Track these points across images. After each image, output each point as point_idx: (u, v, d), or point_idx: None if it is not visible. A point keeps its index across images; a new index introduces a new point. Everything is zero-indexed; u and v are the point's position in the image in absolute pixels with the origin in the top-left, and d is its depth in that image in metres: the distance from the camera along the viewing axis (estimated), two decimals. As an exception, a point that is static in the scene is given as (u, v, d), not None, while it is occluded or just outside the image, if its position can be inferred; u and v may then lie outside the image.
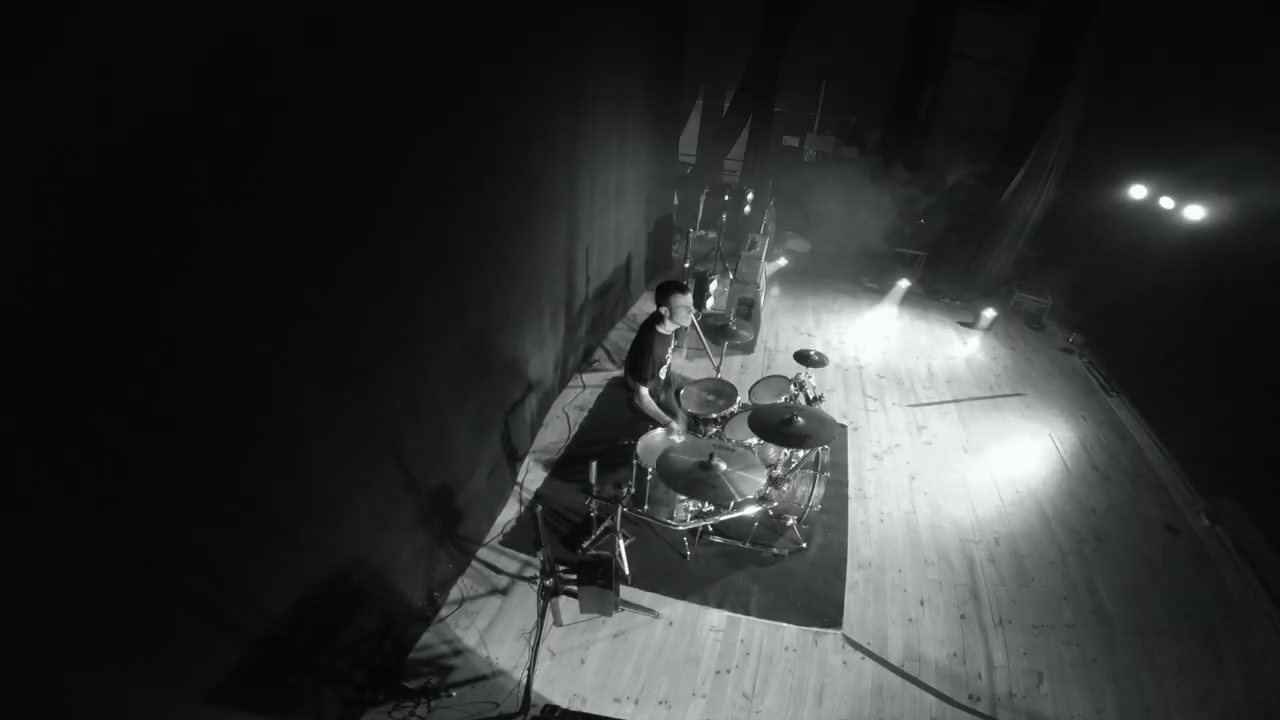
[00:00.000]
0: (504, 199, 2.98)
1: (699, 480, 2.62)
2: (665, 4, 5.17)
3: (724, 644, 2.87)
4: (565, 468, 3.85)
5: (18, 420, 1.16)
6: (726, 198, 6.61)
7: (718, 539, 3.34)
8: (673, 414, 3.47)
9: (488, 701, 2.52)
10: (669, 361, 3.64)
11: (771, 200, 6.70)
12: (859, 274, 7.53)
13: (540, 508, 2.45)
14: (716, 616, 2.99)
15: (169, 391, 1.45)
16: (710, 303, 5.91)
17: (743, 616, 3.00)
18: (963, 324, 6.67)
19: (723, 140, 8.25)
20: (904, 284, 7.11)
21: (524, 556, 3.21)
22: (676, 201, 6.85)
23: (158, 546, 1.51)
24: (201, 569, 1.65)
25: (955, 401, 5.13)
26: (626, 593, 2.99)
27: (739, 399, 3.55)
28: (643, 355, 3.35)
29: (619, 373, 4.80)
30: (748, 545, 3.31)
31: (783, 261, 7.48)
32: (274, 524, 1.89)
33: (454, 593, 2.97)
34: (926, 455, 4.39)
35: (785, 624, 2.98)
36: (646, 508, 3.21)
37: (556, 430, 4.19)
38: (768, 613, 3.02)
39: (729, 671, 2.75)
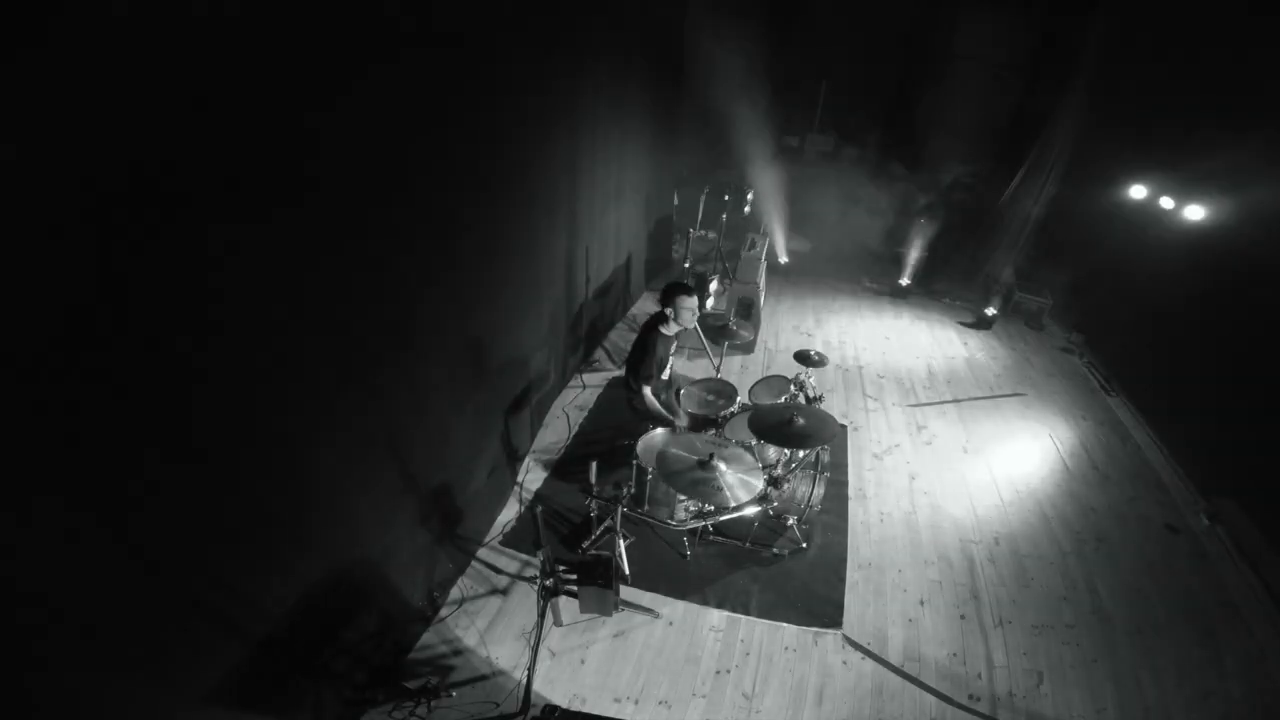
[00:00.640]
0: (504, 201, 2.98)
1: (699, 480, 2.62)
2: (666, 10, 5.18)
3: (724, 644, 2.87)
4: (565, 468, 3.85)
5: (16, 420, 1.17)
6: (726, 198, 6.61)
7: (718, 539, 3.34)
8: (674, 414, 3.47)
9: (488, 701, 2.52)
10: (671, 362, 3.64)
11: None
12: (859, 274, 7.53)
13: (540, 508, 2.46)
14: (716, 616, 2.99)
15: (170, 393, 1.45)
16: (710, 303, 5.92)
17: (743, 616, 3.00)
18: (963, 324, 6.67)
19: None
20: (904, 284, 7.12)
21: (524, 556, 3.21)
22: (676, 201, 6.85)
23: (158, 546, 1.51)
24: (202, 569, 1.65)
25: (955, 401, 5.13)
26: (626, 593, 2.99)
27: (739, 399, 3.55)
28: (645, 355, 3.35)
29: (619, 373, 4.79)
30: (748, 545, 3.31)
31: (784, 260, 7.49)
32: (275, 523, 1.89)
33: (454, 593, 2.97)
34: (926, 455, 4.39)
35: (785, 624, 2.98)
36: (646, 508, 3.21)
37: (556, 430, 4.19)
38: (768, 613, 3.02)
39: (729, 671, 2.75)
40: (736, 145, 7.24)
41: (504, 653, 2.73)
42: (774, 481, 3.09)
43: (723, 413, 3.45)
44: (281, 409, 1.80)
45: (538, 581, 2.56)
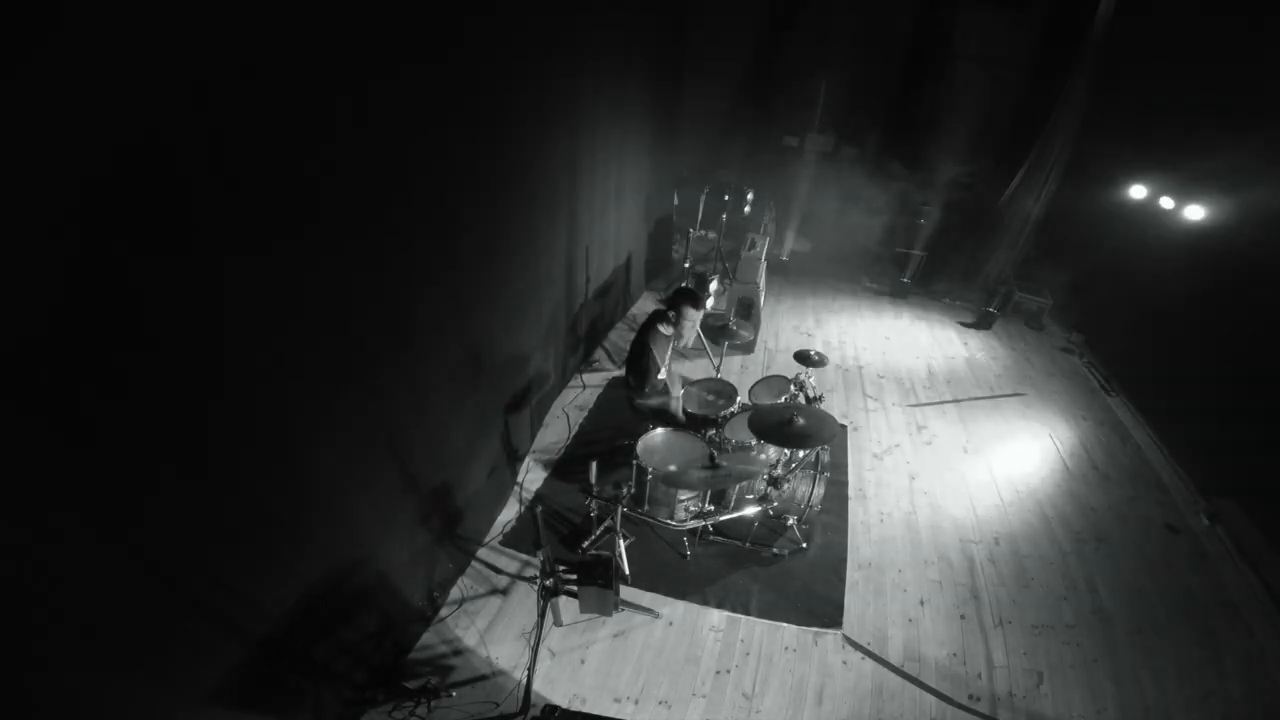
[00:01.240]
0: (504, 201, 2.98)
1: (708, 479, 2.63)
2: (665, 10, 5.18)
3: (724, 644, 2.87)
4: (565, 468, 3.85)
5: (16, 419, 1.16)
6: (726, 198, 6.61)
7: (718, 539, 3.34)
8: (674, 414, 3.47)
9: (488, 701, 2.52)
10: (669, 361, 3.64)
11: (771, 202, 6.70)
12: (859, 274, 7.53)
13: (540, 508, 2.46)
14: (716, 616, 2.99)
15: (170, 393, 1.44)
16: (710, 303, 5.92)
17: (743, 616, 3.00)
18: (963, 324, 6.67)
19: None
20: (904, 283, 7.12)
21: (524, 556, 3.21)
22: (676, 201, 6.85)
23: (158, 546, 1.51)
24: (202, 569, 1.65)
25: (955, 401, 5.13)
26: (626, 593, 2.99)
27: (739, 399, 3.55)
28: (643, 354, 3.36)
29: (619, 373, 4.80)
30: (748, 545, 3.31)
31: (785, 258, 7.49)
32: (275, 523, 1.89)
33: (454, 593, 2.97)
34: (926, 455, 4.39)
35: (785, 624, 2.98)
36: (646, 508, 3.21)
37: (556, 430, 4.19)
38: (768, 613, 3.02)
39: (729, 671, 2.75)
40: (736, 145, 7.24)
41: (504, 653, 2.73)
42: (774, 481, 3.09)
43: (723, 413, 3.45)
44: (281, 409, 1.80)
45: (538, 581, 2.56)
